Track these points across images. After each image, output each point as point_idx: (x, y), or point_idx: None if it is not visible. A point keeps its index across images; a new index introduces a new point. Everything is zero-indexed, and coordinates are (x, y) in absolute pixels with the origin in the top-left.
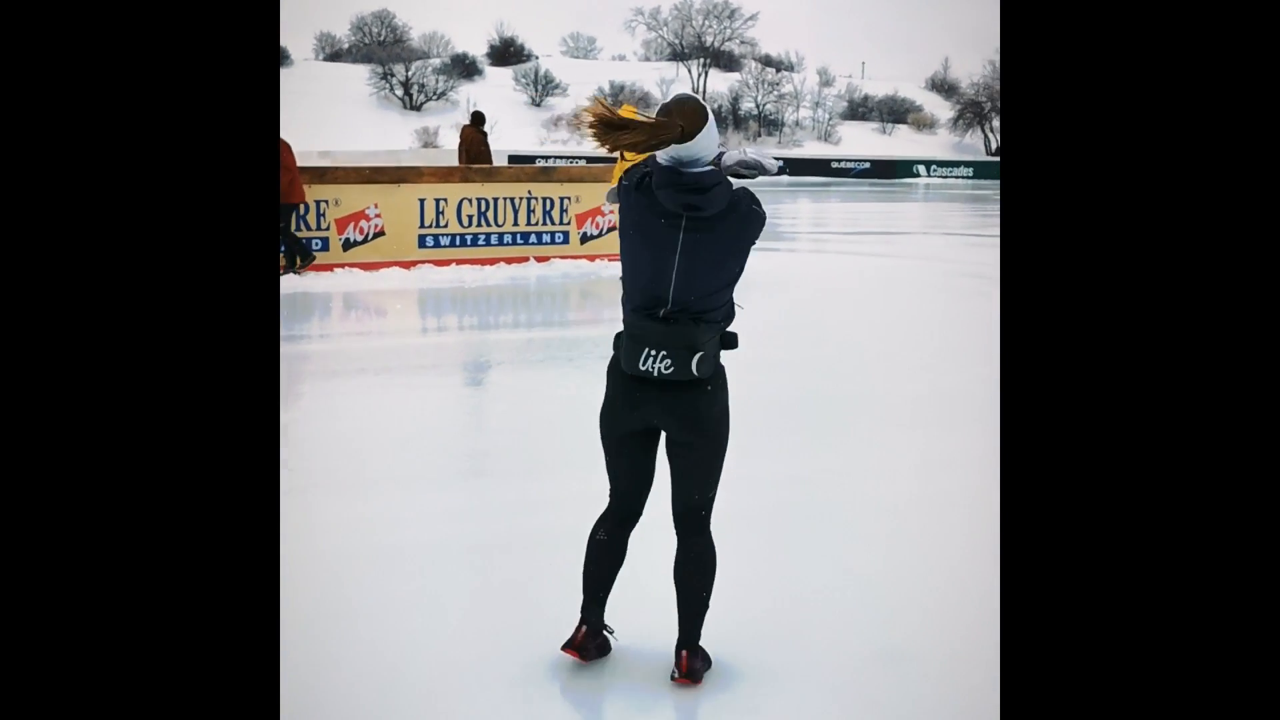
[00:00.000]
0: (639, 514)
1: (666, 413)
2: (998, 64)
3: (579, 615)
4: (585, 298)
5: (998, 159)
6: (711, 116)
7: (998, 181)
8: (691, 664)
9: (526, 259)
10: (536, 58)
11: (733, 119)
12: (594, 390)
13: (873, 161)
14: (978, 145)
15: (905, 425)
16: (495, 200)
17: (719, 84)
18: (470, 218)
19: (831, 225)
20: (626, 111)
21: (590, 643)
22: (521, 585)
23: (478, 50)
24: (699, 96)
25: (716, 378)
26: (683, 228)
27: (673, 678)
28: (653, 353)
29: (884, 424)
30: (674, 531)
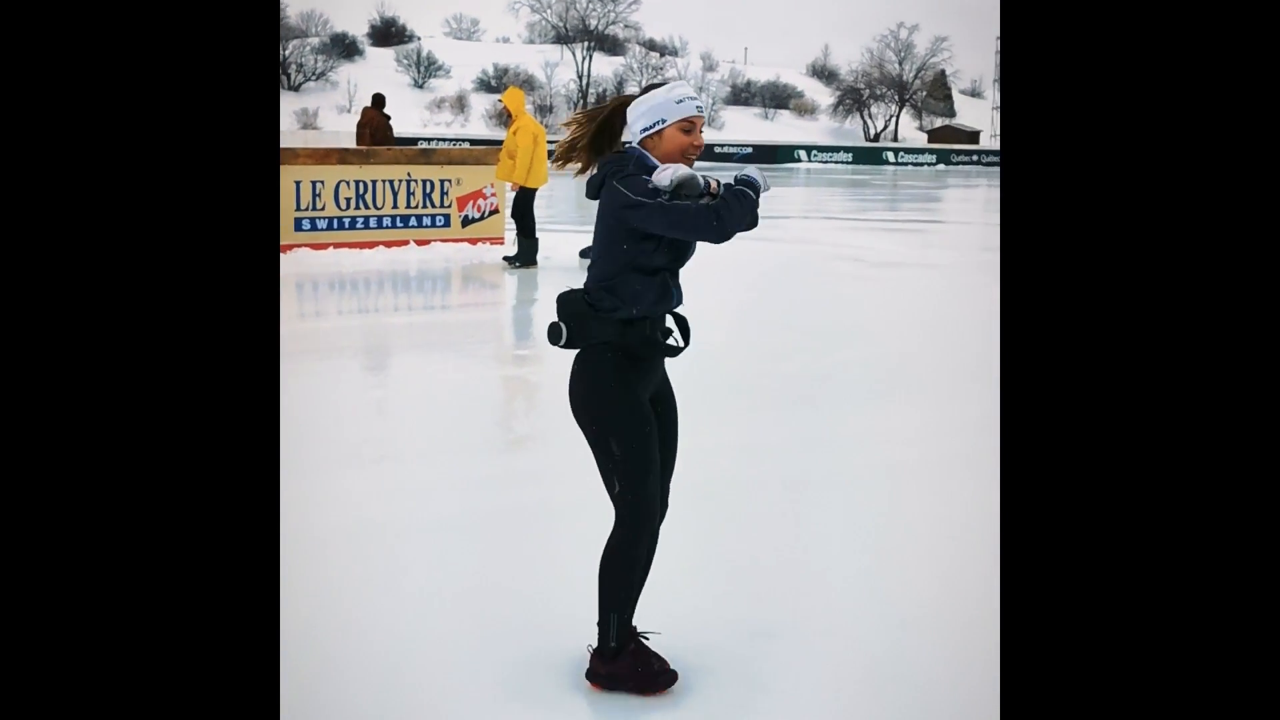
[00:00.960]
0: None
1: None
2: (875, 51)
3: (632, 641)
4: (467, 282)
5: (876, 144)
6: (640, 101)
7: (876, 166)
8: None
9: (406, 242)
10: (418, 39)
11: None
12: (478, 374)
13: (755, 146)
14: (857, 131)
15: (834, 401)
16: (373, 183)
17: (603, 68)
18: (348, 200)
19: None
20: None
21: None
22: (492, 562)
23: (358, 30)
24: (670, 79)
25: (583, 355)
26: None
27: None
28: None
29: (816, 399)
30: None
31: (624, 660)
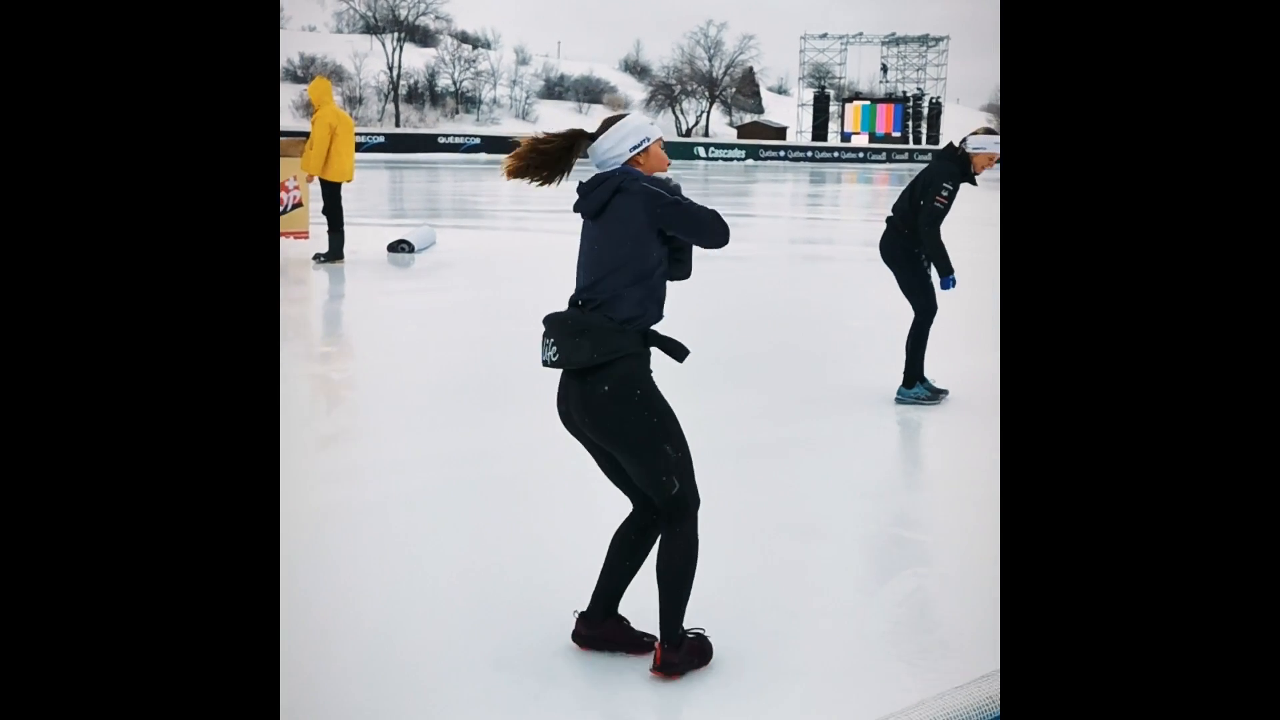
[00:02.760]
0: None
1: (568, 403)
2: (686, 48)
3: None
4: None
5: (688, 139)
6: (620, 126)
7: (686, 161)
8: (666, 657)
9: None
10: None
11: (429, 96)
12: (284, 372)
13: None
14: (669, 126)
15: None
16: None
17: (415, 60)
18: None
19: (531, 204)
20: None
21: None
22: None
23: None
24: (629, 111)
25: (608, 368)
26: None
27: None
28: (548, 341)
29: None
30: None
31: (686, 643)
